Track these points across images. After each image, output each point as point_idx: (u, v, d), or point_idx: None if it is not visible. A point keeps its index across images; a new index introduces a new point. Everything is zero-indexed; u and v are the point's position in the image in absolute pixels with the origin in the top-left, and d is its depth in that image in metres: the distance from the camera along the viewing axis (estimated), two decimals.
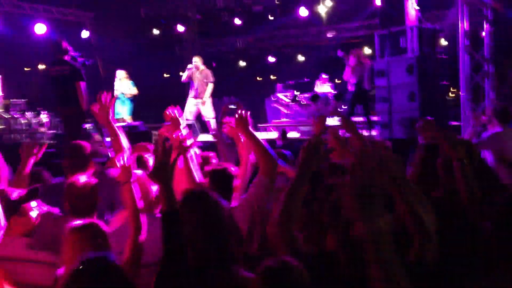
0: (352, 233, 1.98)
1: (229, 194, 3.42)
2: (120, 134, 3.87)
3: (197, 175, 3.50)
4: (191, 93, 11.40)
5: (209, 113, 11.25)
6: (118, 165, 2.83)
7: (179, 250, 2.30)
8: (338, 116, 5.27)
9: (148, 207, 3.08)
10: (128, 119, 11.99)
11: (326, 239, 2.47)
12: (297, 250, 2.32)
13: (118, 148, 3.84)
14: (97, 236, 2.61)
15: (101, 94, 3.83)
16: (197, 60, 11.33)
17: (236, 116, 3.57)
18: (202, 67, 11.28)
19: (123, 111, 12.05)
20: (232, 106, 6.34)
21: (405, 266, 1.92)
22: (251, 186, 3.42)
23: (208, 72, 11.29)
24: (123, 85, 12.18)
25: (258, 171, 3.42)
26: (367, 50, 16.49)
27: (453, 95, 15.31)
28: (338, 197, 2.46)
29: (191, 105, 11.28)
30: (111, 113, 3.87)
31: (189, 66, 11.35)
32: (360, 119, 10.87)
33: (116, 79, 12.23)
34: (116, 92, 12.03)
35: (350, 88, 10.78)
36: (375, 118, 10.65)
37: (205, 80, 11.13)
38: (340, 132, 4.17)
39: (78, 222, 2.67)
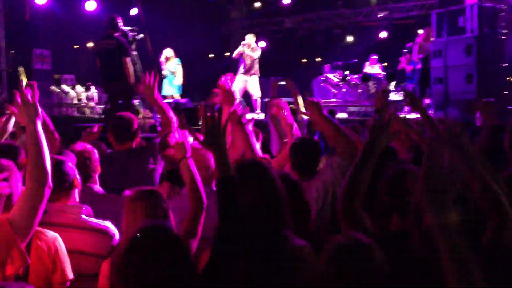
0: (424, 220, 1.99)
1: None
2: (167, 110, 3.99)
3: (258, 150, 3.45)
4: (240, 69, 11.38)
5: (256, 92, 11.20)
6: (172, 143, 2.77)
7: (234, 216, 2.23)
8: (404, 93, 5.12)
9: (207, 180, 3.01)
10: (177, 96, 11.96)
11: (390, 220, 2.43)
12: (365, 228, 2.25)
13: (168, 124, 3.95)
14: (157, 205, 2.53)
15: (144, 75, 3.99)
16: (250, 37, 11.35)
17: (308, 101, 3.49)
18: (253, 44, 11.29)
19: (172, 89, 12.03)
20: (282, 83, 6.22)
21: (480, 251, 1.92)
22: (327, 167, 3.35)
23: (259, 50, 11.33)
24: (171, 63, 12.11)
25: (335, 153, 3.38)
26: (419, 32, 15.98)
27: None
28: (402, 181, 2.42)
29: (239, 82, 11.16)
30: (156, 91, 4.01)
31: (243, 42, 11.37)
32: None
33: (162, 56, 12.15)
34: (164, 71, 12.02)
35: (411, 67, 10.43)
36: (428, 100, 10.31)
37: (255, 57, 11.16)
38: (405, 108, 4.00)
39: (138, 189, 2.59)
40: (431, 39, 9.95)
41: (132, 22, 13.27)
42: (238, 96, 11.06)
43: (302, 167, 3.39)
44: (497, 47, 9.54)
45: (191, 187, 2.67)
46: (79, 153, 3.39)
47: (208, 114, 2.38)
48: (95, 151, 3.50)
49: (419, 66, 10.37)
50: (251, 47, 11.22)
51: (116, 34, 7.77)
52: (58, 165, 2.76)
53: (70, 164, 2.94)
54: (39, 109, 2.47)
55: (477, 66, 9.11)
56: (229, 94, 3.70)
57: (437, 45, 9.67)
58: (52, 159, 2.52)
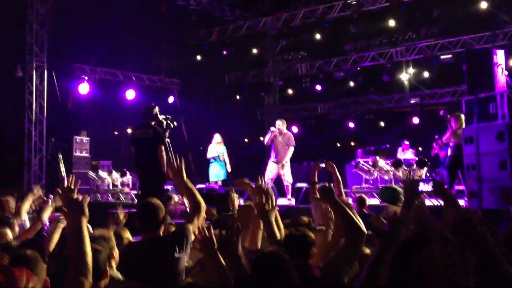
0: None
1: (304, 260, 3.28)
2: (196, 194, 3.97)
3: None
4: (272, 156, 11.44)
5: (288, 177, 11.22)
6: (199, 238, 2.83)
7: None
8: (433, 182, 5.03)
9: None
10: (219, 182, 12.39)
11: None
12: None
13: (196, 208, 3.96)
14: None
15: (172, 160, 4.04)
16: (280, 124, 11.36)
17: (319, 188, 3.49)
18: (285, 130, 11.34)
19: (220, 173, 12.46)
20: (322, 165, 6.16)
21: None
22: (333, 255, 3.28)
23: (290, 136, 11.33)
24: (218, 148, 12.61)
25: (344, 240, 3.30)
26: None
27: None
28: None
29: (271, 168, 11.32)
30: (184, 174, 4.01)
31: (272, 129, 11.43)
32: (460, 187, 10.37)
33: (213, 141, 12.69)
34: (210, 154, 12.57)
35: (444, 153, 10.36)
36: (461, 187, 10.13)
37: (286, 144, 11.16)
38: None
39: None
40: (463, 125, 9.95)
41: (168, 110, 13.80)
42: (270, 182, 11.18)
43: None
44: None
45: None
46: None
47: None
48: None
49: (451, 152, 10.31)
50: (282, 133, 11.25)
51: (153, 123, 8.05)
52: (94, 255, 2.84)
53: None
54: (85, 208, 2.56)
55: (511, 152, 8.98)
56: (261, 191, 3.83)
57: (469, 131, 9.63)
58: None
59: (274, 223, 3.56)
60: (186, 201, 9.76)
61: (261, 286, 2.37)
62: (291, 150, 11.17)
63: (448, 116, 10.63)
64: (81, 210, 2.53)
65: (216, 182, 12.46)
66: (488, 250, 2.11)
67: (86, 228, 2.53)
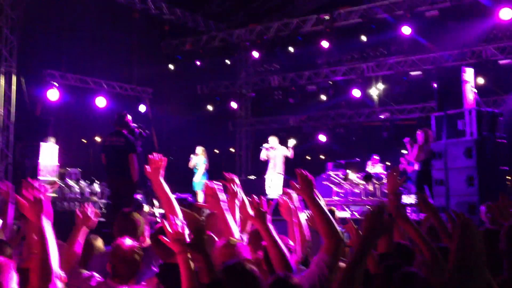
0: None
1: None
2: (172, 197, 3.80)
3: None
4: (269, 169, 12.40)
5: (279, 190, 11.58)
6: (169, 231, 2.75)
7: None
8: (417, 195, 5.06)
9: None
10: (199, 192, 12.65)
11: None
12: None
13: (171, 211, 3.80)
14: None
15: (152, 156, 3.81)
16: (273, 140, 12.47)
17: (300, 177, 3.19)
18: (276, 145, 12.46)
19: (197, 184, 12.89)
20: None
21: None
22: (312, 264, 3.13)
23: (282, 150, 12.40)
24: (198, 159, 13.00)
25: (321, 248, 3.10)
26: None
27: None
28: None
29: (268, 180, 12.33)
30: (162, 173, 3.81)
31: (265, 145, 12.44)
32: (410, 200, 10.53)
33: (195, 154, 13.06)
34: (191, 165, 13.12)
35: (412, 168, 10.54)
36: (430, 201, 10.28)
37: (283, 155, 12.26)
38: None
39: None
40: (430, 141, 10.13)
41: (140, 119, 13.68)
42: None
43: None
44: (497, 150, 9.65)
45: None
46: None
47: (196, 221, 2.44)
48: None
49: (417, 168, 10.47)
50: (275, 149, 12.30)
51: (125, 131, 7.96)
52: None
53: None
54: (47, 206, 2.51)
55: (478, 169, 9.19)
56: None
57: (437, 147, 9.82)
58: None
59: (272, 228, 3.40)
60: (156, 212, 9.68)
61: None
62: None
63: (410, 143, 10.86)
64: (42, 209, 2.47)
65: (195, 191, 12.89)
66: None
67: (50, 228, 2.46)
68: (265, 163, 12.69)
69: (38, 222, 2.45)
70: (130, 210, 4.36)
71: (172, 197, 3.80)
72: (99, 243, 4.44)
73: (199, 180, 12.88)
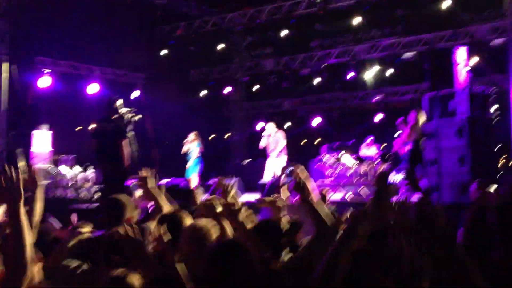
0: None
1: (277, 250, 3.30)
2: (160, 199, 4.06)
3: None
4: (270, 155, 12.43)
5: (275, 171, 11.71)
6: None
7: None
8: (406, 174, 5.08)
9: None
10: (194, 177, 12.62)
11: None
12: None
13: (158, 211, 4.02)
14: None
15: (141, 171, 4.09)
16: (269, 127, 12.48)
17: (295, 180, 3.32)
18: (274, 131, 12.46)
19: (189, 170, 12.85)
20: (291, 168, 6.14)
21: None
22: (302, 249, 3.26)
23: (280, 134, 12.42)
24: (191, 145, 12.96)
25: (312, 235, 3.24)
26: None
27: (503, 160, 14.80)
28: None
29: (270, 163, 12.40)
30: (150, 182, 4.07)
31: (264, 133, 12.48)
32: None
33: (187, 141, 13.05)
34: (183, 151, 13.06)
35: (404, 149, 10.54)
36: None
37: (278, 141, 12.35)
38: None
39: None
40: (422, 121, 10.14)
41: (133, 105, 13.62)
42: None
43: None
44: (488, 129, 9.67)
45: None
46: None
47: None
48: None
49: (409, 147, 10.47)
50: (274, 134, 12.34)
51: (114, 117, 7.95)
52: None
53: None
54: (21, 192, 2.47)
55: (469, 148, 9.19)
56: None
57: (429, 127, 9.82)
58: None
59: (244, 224, 3.46)
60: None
61: (218, 282, 2.34)
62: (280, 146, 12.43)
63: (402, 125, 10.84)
64: (19, 195, 2.42)
65: (188, 178, 12.69)
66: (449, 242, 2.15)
67: (24, 214, 2.42)
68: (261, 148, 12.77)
69: (12, 207, 2.41)
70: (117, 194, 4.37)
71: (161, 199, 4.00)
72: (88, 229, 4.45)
73: (192, 165, 12.86)
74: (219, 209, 3.43)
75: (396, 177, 10.39)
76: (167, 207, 4.04)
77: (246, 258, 2.43)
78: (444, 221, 2.54)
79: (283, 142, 12.36)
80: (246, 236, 3.25)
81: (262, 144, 12.51)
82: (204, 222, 3.37)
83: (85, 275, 3.20)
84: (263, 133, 12.57)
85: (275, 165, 12.14)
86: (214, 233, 3.29)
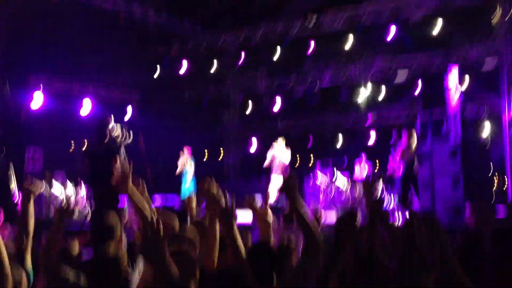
0: None
1: (269, 273, 3.14)
2: (142, 207, 3.65)
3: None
4: (274, 172, 12.53)
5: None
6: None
7: None
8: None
9: None
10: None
11: None
12: None
13: (144, 218, 3.73)
14: None
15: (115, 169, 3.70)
16: (280, 144, 12.66)
17: (284, 178, 3.25)
18: (283, 149, 12.60)
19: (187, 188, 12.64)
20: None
21: None
22: (296, 267, 3.18)
23: (287, 153, 12.66)
24: (186, 164, 12.98)
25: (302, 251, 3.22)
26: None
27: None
28: None
29: (274, 182, 12.42)
30: (129, 183, 3.66)
31: (271, 152, 12.66)
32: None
33: (182, 156, 13.01)
34: (179, 170, 13.20)
35: (397, 173, 10.54)
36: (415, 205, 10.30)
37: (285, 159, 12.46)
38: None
39: None
40: (414, 142, 10.16)
41: (126, 125, 13.57)
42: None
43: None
44: (481, 152, 9.72)
45: None
46: None
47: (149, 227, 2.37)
48: None
49: (402, 170, 10.46)
50: (281, 152, 12.47)
51: (106, 137, 7.90)
52: None
53: None
54: None
55: (463, 171, 9.22)
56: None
57: (423, 151, 9.85)
58: None
59: (237, 232, 3.35)
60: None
61: None
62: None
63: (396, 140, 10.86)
64: None
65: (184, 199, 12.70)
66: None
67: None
68: (256, 167, 12.78)
69: None
70: (107, 212, 4.29)
71: (142, 201, 3.74)
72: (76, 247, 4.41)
73: (189, 186, 12.84)
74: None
75: (389, 200, 10.39)
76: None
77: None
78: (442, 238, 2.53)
79: (287, 160, 12.50)
80: (240, 261, 3.17)
81: (266, 164, 12.61)
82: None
83: None
84: (269, 152, 12.65)
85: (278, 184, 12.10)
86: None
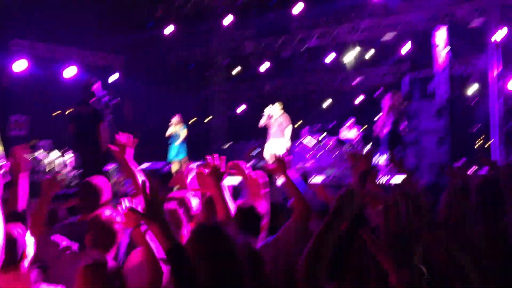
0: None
1: (255, 233, 3.34)
2: (137, 175, 3.77)
3: (232, 206, 3.43)
4: (270, 136, 12.40)
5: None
6: (121, 210, 2.74)
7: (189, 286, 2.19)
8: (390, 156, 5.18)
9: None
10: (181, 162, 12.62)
11: None
12: None
13: (137, 188, 3.77)
14: (109, 276, 2.54)
15: (119, 136, 3.80)
16: (274, 109, 12.35)
17: (275, 158, 3.55)
18: (278, 113, 12.34)
19: (172, 153, 12.97)
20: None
21: None
22: (282, 229, 3.30)
23: (284, 118, 12.33)
24: (176, 129, 12.99)
25: (292, 215, 3.33)
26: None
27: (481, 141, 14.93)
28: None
29: (268, 146, 12.33)
30: (128, 152, 3.78)
31: (267, 113, 12.34)
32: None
33: (171, 124, 13.04)
34: (168, 134, 13.19)
35: (384, 131, 10.57)
36: None
37: (282, 126, 12.20)
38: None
39: (91, 260, 2.61)
40: (398, 102, 10.16)
41: (112, 88, 13.43)
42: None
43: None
44: (467, 111, 9.75)
45: (146, 256, 2.63)
46: None
47: (147, 189, 2.38)
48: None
49: (388, 129, 10.48)
50: (277, 116, 12.26)
51: (91, 100, 7.83)
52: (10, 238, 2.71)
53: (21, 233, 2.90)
54: None
55: (448, 130, 9.27)
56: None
57: (409, 109, 9.87)
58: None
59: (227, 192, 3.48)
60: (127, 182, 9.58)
61: (198, 255, 2.31)
62: (287, 130, 12.39)
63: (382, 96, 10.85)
64: None
65: (171, 162, 12.86)
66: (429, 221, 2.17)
67: None
68: (241, 131, 12.76)
69: None
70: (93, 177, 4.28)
71: (137, 173, 3.78)
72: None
73: (178, 149, 12.86)
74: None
75: (379, 159, 10.43)
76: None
77: (228, 241, 2.40)
78: (426, 202, 2.54)
79: (286, 125, 12.29)
80: (228, 218, 3.29)
81: (261, 123, 12.39)
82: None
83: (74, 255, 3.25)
84: (264, 113, 12.43)
85: (274, 147, 11.98)
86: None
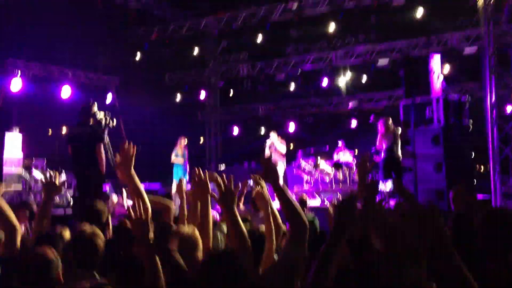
0: None
1: (258, 256, 3.23)
2: (142, 190, 3.67)
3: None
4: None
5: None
6: (133, 216, 2.73)
7: None
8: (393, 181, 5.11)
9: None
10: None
11: None
12: None
13: (139, 203, 3.70)
14: None
15: (124, 143, 3.64)
16: (273, 136, 13.04)
17: (264, 165, 3.10)
18: (276, 139, 13.00)
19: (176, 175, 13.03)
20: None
21: None
22: (280, 255, 3.20)
23: (282, 143, 13.04)
24: (177, 152, 13.14)
25: (287, 237, 3.14)
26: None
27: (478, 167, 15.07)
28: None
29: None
30: (131, 165, 3.68)
31: (268, 143, 12.97)
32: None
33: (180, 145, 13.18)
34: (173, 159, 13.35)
35: (380, 157, 10.61)
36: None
37: (278, 152, 12.81)
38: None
39: None
40: (391, 128, 10.25)
41: (107, 109, 13.39)
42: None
43: None
44: (464, 136, 9.83)
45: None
46: None
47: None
48: None
49: (383, 155, 10.55)
50: (276, 144, 12.87)
51: (91, 121, 7.81)
52: None
53: None
54: None
55: (445, 156, 9.32)
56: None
57: (406, 135, 9.93)
58: None
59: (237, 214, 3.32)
60: (125, 203, 9.53)
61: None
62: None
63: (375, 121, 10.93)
64: None
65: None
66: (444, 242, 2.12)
67: None
68: (236, 153, 12.88)
69: None
70: (93, 200, 4.31)
71: (141, 187, 3.71)
72: (67, 234, 4.34)
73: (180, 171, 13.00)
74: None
75: (384, 186, 10.44)
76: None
77: (240, 270, 2.38)
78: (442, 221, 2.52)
79: (283, 150, 12.87)
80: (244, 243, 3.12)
81: (267, 154, 12.71)
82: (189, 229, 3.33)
83: None
84: (266, 143, 13.03)
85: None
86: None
